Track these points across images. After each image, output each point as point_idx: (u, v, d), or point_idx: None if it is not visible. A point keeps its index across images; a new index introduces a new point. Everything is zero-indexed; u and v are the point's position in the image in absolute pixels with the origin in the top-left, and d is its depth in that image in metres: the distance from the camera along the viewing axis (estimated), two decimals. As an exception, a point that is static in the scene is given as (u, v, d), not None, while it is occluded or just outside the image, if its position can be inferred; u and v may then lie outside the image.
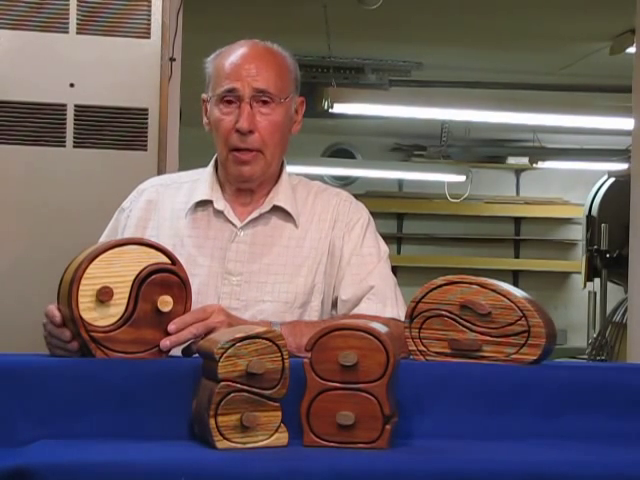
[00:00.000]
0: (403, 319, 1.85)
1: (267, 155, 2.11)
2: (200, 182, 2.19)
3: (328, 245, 2.15)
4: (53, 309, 1.77)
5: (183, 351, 1.79)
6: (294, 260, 2.13)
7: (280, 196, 2.16)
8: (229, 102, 2.09)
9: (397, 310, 2.11)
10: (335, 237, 2.16)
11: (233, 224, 2.14)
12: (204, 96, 2.17)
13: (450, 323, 1.73)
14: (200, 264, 2.10)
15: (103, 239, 2.20)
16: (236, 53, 2.12)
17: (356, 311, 2.10)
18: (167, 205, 2.19)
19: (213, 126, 2.13)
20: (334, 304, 2.16)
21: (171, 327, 1.73)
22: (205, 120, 2.18)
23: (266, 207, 2.15)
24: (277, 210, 2.15)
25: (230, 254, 2.12)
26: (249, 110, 2.07)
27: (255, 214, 2.14)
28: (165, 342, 1.72)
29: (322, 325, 1.92)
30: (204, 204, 2.16)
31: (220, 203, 2.15)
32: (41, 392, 1.58)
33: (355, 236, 2.17)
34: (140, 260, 1.74)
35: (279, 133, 2.12)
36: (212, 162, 2.22)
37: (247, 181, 2.14)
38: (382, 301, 2.12)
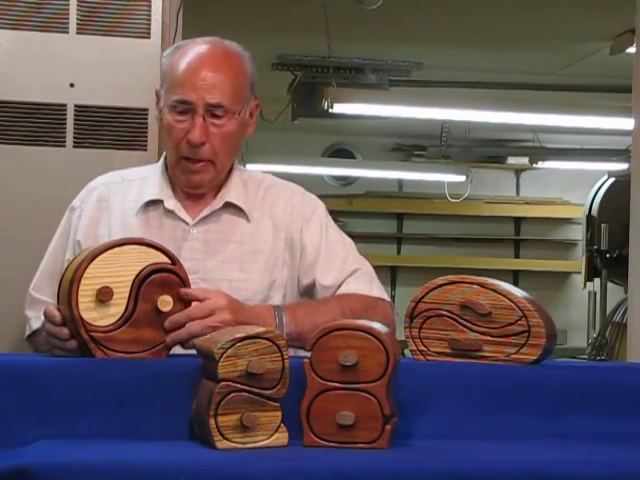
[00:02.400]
0: (387, 300, 2.03)
1: (217, 165, 2.10)
2: (150, 180, 2.18)
3: (284, 239, 2.14)
4: (52, 309, 1.77)
5: (183, 345, 1.79)
6: (248, 256, 2.12)
7: (231, 193, 2.15)
8: (182, 111, 2.07)
9: (382, 293, 2.14)
10: (293, 230, 2.15)
11: (185, 222, 2.13)
12: (157, 89, 2.15)
13: (450, 323, 1.73)
14: None
15: (56, 238, 2.22)
16: (192, 57, 2.09)
17: (345, 290, 2.10)
18: (117, 204, 2.18)
19: (165, 129, 2.12)
20: (303, 293, 2.15)
21: (166, 324, 1.74)
22: (157, 114, 2.17)
23: (218, 204, 2.14)
24: (229, 206, 2.15)
25: (184, 252, 2.09)
26: (201, 122, 2.05)
27: (206, 211, 2.14)
28: (167, 340, 1.74)
29: (318, 308, 1.94)
30: (155, 203, 2.15)
31: (170, 202, 2.14)
32: (41, 392, 1.58)
33: (315, 225, 2.17)
34: (140, 260, 1.74)
35: (231, 143, 2.12)
36: (162, 160, 2.20)
37: (196, 188, 2.13)
38: (369, 281, 2.14)
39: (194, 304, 1.80)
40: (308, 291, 2.15)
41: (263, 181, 2.22)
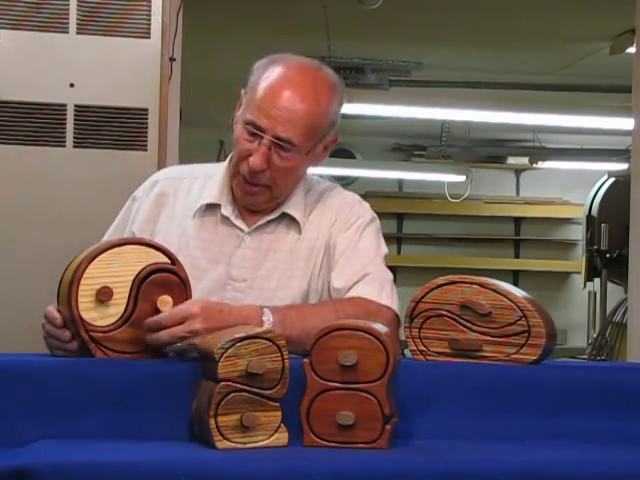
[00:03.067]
0: (393, 309, 1.95)
1: (274, 191, 2.06)
2: (212, 182, 2.13)
3: (324, 246, 2.10)
4: (53, 310, 1.76)
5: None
6: (292, 264, 2.08)
7: (290, 204, 2.11)
8: (252, 132, 2.00)
9: (392, 302, 2.04)
10: (331, 237, 2.10)
11: (240, 229, 2.09)
12: (242, 92, 2.08)
13: (450, 323, 1.73)
14: (203, 268, 2.05)
15: (114, 227, 2.17)
16: (279, 79, 2.01)
17: (353, 293, 2.03)
18: (179, 201, 2.14)
19: (234, 138, 2.06)
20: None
21: (145, 324, 1.72)
22: (233, 116, 2.09)
23: (275, 214, 2.10)
24: (285, 216, 2.11)
25: (235, 260, 2.07)
26: (266, 151, 1.99)
27: (263, 221, 2.10)
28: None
29: (311, 312, 1.90)
30: (213, 207, 2.11)
31: (228, 208, 2.10)
32: (41, 392, 1.58)
33: (350, 234, 2.11)
34: (140, 260, 1.74)
35: (292, 175, 2.06)
36: (228, 160, 2.15)
37: (250, 206, 2.10)
38: (379, 287, 2.05)
39: (170, 310, 1.75)
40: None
41: (324, 192, 2.17)
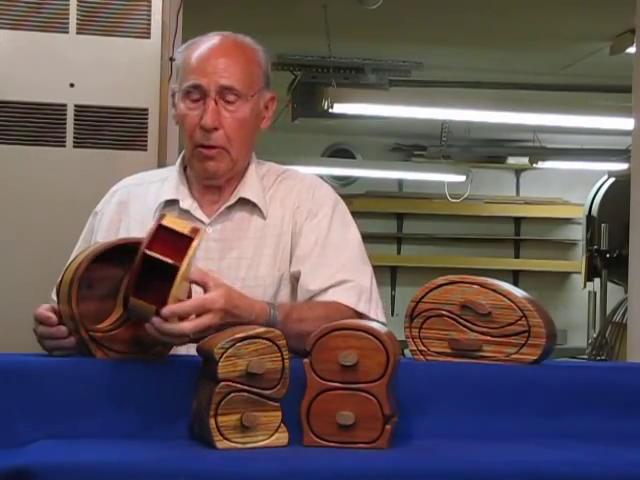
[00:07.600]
0: (374, 317, 1.94)
1: (232, 152, 2.08)
2: (168, 181, 2.16)
3: (290, 233, 2.10)
4: (44, 312, 1.75)
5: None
6: (260, 251, 2.08)
7: (246, 188, 2.12)
8: (194, 98, 2.06)
9: (369, 307, 2.03)
10: (296, 224, 2.11)
11: (201, 221, 2.09)
12: (173, 87, 2.14)
13: (450, 323, 1.73)
14: None
15: (80, 243, 2.18)
16: (204, 46, 2.09)
17: (330, 297, 2.01)
18: (137, 205, 2.16)
19: (179, 121, 2.11)
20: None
21: (165, 312, 1.64)
22: (174, 113, 2.15)
23: (232, 200, 2.11)
24: (244, 202, 2.11)
25: (199, 252, 1.99)
26: (214, 106, 2.04)
27: (222, 208, 2.11)
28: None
29: (309, 314, 1.90)
30: (172, 203, 2.12)
31: (186, 202, 2.12)
32: (41, 392, 1.58)
33: (315, 224, 2.11)
34: (141, 260, 1.73)
35: (245, 130, 2.10)
36: (179, 159, 2.19)
37: (212, 177, 2.11)
38: (357, 295, 2.03)
39: (194, 296, 1.74)
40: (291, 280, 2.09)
41: (280, 174, 2.19)
